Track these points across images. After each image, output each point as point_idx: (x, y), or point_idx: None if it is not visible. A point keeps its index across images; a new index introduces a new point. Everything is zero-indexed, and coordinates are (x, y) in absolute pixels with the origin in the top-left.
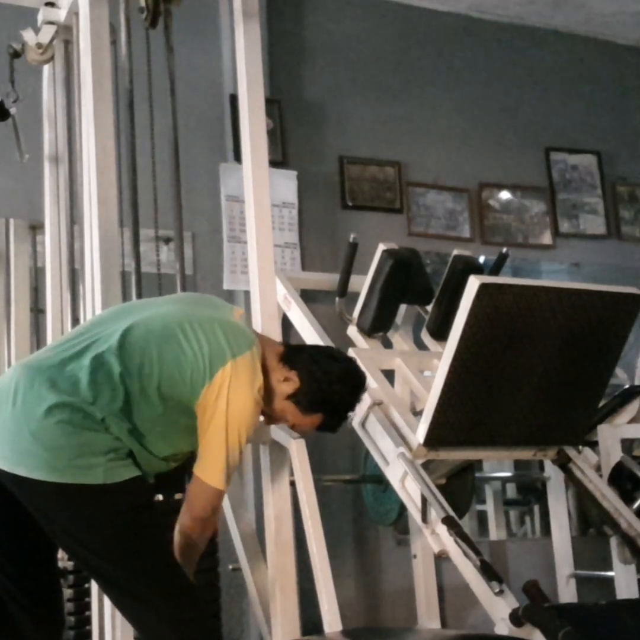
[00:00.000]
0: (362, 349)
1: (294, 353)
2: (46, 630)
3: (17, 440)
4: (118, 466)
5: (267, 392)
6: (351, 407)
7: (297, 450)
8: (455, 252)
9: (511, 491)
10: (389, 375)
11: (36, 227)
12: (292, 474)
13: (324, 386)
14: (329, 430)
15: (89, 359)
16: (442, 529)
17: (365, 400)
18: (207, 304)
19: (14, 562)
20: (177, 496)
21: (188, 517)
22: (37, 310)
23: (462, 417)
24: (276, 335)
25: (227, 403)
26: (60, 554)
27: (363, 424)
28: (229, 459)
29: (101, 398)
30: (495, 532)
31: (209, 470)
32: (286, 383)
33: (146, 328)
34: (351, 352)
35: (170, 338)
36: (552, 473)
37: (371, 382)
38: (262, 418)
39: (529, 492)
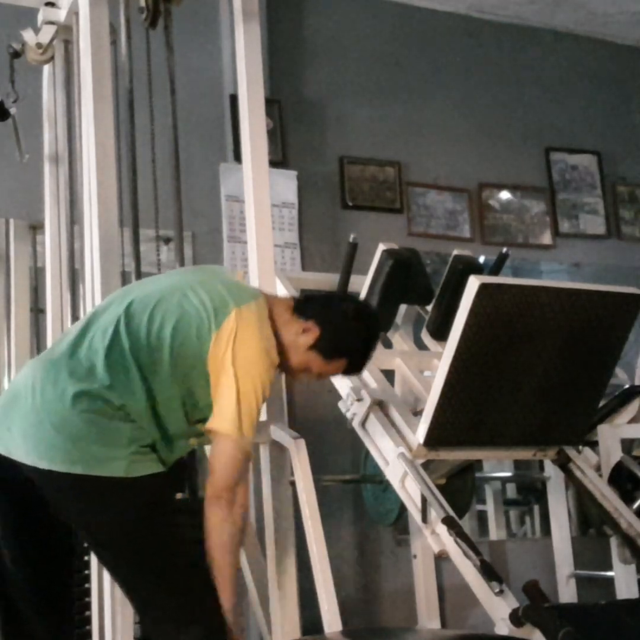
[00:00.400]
0: None
1: (304, 303)
2: (53, 629)
3: (39, 434)
4: (141, 460)
5: (286, 348)
6: (373, 344)
7: (297, 450)
8: (455, 252)
9: (511, 491)
10: (389, 375)
11: (36, 227)
12: (292, 474)
13: (343, 328)
14: (354, 372)
15: (101, 343)
16: (442, 529)
17: (365, 400)
18: (206, 271)
19: (29, 558)
20: (178, 496)
21: (211, 491)
22: (37, 311)
23: (462, 417)
24: None
25: (234, 351)
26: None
27: (363, 424)
28: (242, 406)
29: (117, 381)
30: (495, 532)
31: (218, 417)
32: (305, 334)
33: (147, 302)
34: None
35: (172, 304)
36: (552, 473)
37: (371, 382)
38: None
39: (529, 492)
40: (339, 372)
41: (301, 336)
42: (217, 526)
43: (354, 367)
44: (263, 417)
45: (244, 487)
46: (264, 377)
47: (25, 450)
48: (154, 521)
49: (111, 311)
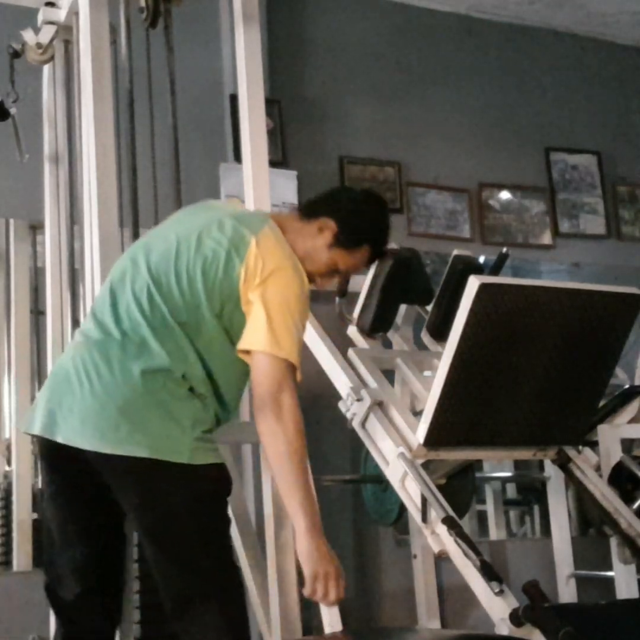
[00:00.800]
0: (362, 349)
1: (311, 205)
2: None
3: (102, 418)
4: (203, 449)
5: (307, 257)
6: (387, 224)
7: None
8: (455, 252)
9: (511, 491)
10: (389, 375)
11: (36, 227)
12: None
13: (357, 214)
14: (379, 257)
15: (140, 315)
16: (442, 529)
17: (365, 400)
18: (205, 210)
19: (86, 548)
20: None
21: (254, 405)
22: (37, 312)
23: (462, 417)
24: None
25: (263, 277)
26: None
27: (363, 424)
28: (275, 323)
29: (170, 349)
30: (495, 532)
31: (248, 336)
32: (322, 233)
33: (167, 260)
34: (351, 352)
35: (191, 254)
36: (552, 473)
37: (371, 382)
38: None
39: (529, 492)
40: (364, 263)
41: (318, 237)
42: (270, 437)
43: (377, 251)
44: None
45: (290, 396)
46: (299, 295)
47: (84, 436)
48: (206, 516)
49: (132, 279)
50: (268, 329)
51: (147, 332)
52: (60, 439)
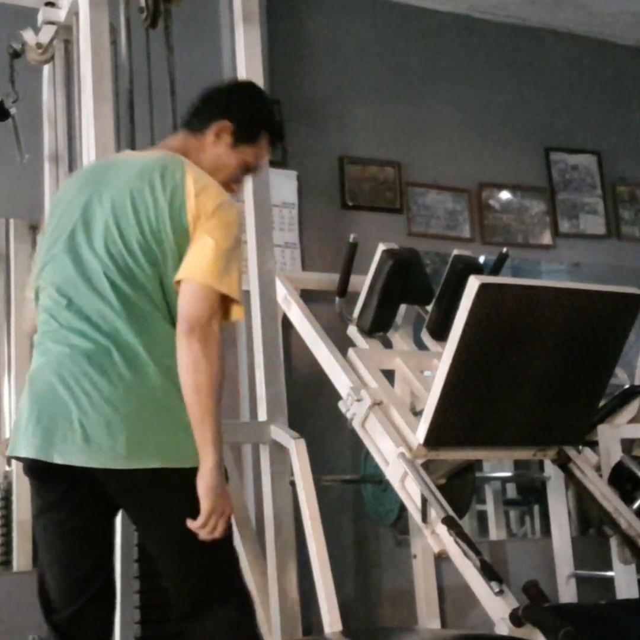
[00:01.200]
0: (362, 349)
1: (196, 118)
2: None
3: (108, 432)
4: None
5: (217, 168)
6: (270, 103)
7: (297, 450)
8: (455, 252)
9: (511, 491)
10: (389, 375)
11: (36, 227)
12: (292, 474)
13: (244, 104)
14: (279, 138)
15: (110, 311)
16: (442, 529)
17: (365, 400)
18: (115, 168)
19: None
20: None
21: (181, 327)
22: None
23: (462, 417)
24: (276, 335)
25: (207, 218)
26: None
27: (363, 424)
28: (221, 261)
29: (159, 342)
30: (495, 532)
31: (186, 266)
32: (221, 137)
33: (113, 238)
34: (351, 352)
35: (132, 226)
36: (552, 473)
37: (371, 382)
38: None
39: (529, 492)
40: (269, 148)
41: (219, 143)
42: (192, 365)
43: (276, 133)
44: (263, 417)
45: (218, 329)
46: (238, 229)
47: (90, 454)
48: None
49: (87, 279)
50: (213, 262)
51: (130, 336)
52: (59, 460)
